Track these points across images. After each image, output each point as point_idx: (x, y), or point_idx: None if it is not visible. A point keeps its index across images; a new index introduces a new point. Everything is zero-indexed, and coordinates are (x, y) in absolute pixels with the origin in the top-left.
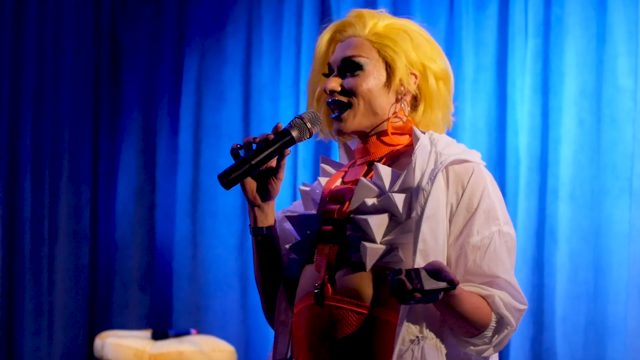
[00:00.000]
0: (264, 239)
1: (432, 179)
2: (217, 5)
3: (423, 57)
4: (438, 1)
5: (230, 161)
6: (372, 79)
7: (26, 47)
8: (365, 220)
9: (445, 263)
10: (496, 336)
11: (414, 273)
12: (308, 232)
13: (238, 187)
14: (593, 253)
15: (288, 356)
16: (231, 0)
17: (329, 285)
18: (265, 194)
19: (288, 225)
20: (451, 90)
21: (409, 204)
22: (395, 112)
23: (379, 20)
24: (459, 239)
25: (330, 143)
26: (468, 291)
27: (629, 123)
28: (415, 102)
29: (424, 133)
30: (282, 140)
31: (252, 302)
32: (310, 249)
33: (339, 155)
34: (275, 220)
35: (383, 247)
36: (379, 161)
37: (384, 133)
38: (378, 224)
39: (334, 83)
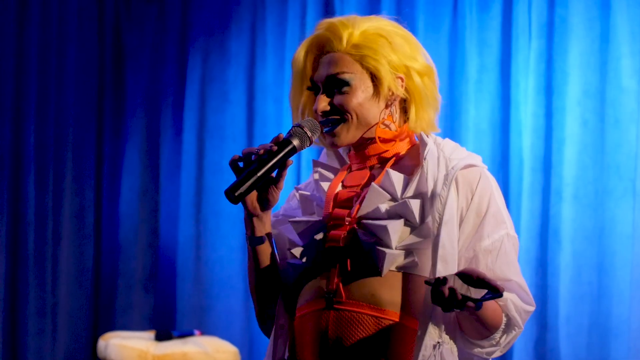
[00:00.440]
0: (262, 248)
1: (448, 185)
2: (221, 6)
3: (404, 58)
4: (442, 2)
5: None
6: (361, 93)
7: (29, 48)
8: (384, 227)
9: (457, 266)
10: (504, 337)
11: (455, 281)
12: (315, 237)
13: None
14: (597, 254)
15: (286, 357)
16: (235, 1)
17: (342, 289)
18: (265, 203)
19: (284, 230)
20: (436, 81)
21: (422, 210)
22: (383, 118)
23: (353, 29)
24: (469, 243)
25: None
26: None
27: (633, 124)
28: (404, 103)
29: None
30: (284, 150)
31: None
32: (316, 254)
33: (324, 157)
34: (271, 229)
35: (401, 252)
36: (382, 166)
37: (375, 139)
38: (396, 229)
39: (324, 103)
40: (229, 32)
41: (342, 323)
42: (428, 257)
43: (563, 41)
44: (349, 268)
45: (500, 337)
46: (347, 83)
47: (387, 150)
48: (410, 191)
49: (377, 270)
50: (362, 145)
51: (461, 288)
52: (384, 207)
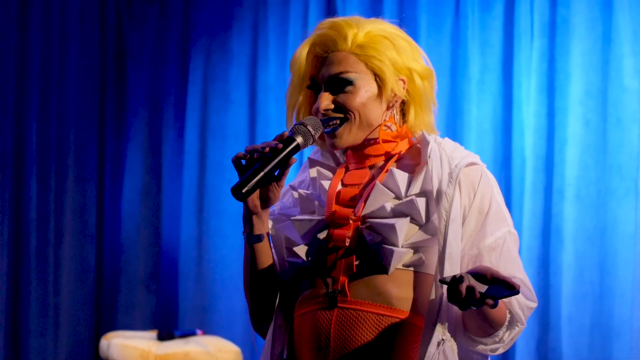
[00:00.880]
0: (260, 246)
1: (453, 183)
2: (223, 6)
3: (407, 60)
4: (444, 2)
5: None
6: (364, 93)
7: (31, 48)
8: (392, 225)
9: (460, 264)
10: (508, 333)
11: (469, 279)
12: (319, 236)
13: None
14: (599, 253)
15: (284, 357)
16: (237, 1)
17: (347, 288)
18: (265, 201)
19: (282, 229)
20: (435, 86)
21: (428, 208)
22: (385, 120)
23: (358, 30)
24: (472, 241)
25: None
26: None
27: (635, 124)
28: (403, 105)
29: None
30: (288, 147)
31: None
32: (320, 253)
33: (317, 154)
34: (269, 227)
35: (409, 250)
36: (383, 165)
37: (377, 141)
38: (403, 228)
39: (327, 101)
40: (230, 32)
41: (346, 322)
42: (434, 255)
43: (565, 41)
44: (354, 267)
45: (504, 334)
46: (351, 82)
47: (387, 152)
48: (415, 189)
49: (383, 269)
50: (361, 146)
51: (478, 286)
52: (388, 205)
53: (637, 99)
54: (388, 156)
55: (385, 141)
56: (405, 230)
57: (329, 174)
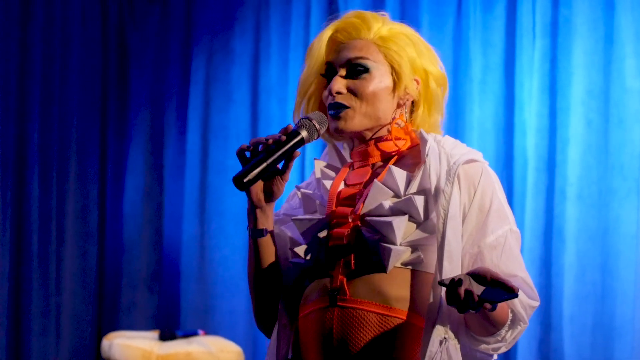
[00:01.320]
0: (264, 241)
1: (451, 180)
2: (225, 6)
3: (425, 62)
4: (446, 2)
5: (237, 160)
6: (378, 82)
7: (33, 49)
8: (389, 223)
9: (461, 263)
10: (510, 332)
11: (468, 281)
12: (319, 235)
13: None
14: (600, 254)
15: (290, 357)
16: (239, 1)
17: (346, 287)
18: (269, 195)
19: (286, 228)
20: (446, 95)
21: (427, 206)
22: (395, 118)
23: (382, 24)
24: (473, 240)
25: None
26: None
27: (637, 124)
28: (412, 106)
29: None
30: (292, 141)
31: None
32: (319, 252)
33: (326, 157)
34: (273, 222)
35: (406, 249)
36: (384, 163)
37: (384, 138)
38: (400, 226)
39: (340, 84)
40: (233, 32)
41: (347, 321)
42: (433, 253)
43: (567, 41)
44: (352, 265)
45: (506, 333)
46: (367, 69)
47: (387, 150)
48: (413, 188)
49: (381, 267)
50: (365, 142)
51: (476, 289)
52: (387, 203)
53: (639, 99)
54: (389, 154)
55: (397, 138)
56: (403, 228)
57: (332, 173)
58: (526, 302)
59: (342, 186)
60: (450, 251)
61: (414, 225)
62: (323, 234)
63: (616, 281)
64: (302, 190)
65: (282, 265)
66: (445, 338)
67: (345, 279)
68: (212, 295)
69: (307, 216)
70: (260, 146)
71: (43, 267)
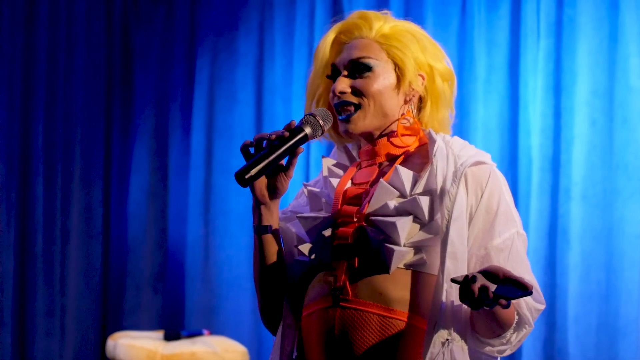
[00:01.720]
0: (268, 238)
1: (457, 181)
2: (229, 6)
3: (430, 58)
4: (450, 1)
5: (241, 159)
6: (382, 80)
7: (38, 48)
8: (393, 224)
9: (467, 264)
10: (515, 335)
11: (486, 279)
12: (323, 234)
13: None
14: (605, 253)
15: (294, 357)
16: (243, 1)
17: (349, 287)
18: (273, 192)
19: (292, 226)
20: (454, 90)
21: (432, 207)
22: (403, 114)
23: (384, 22)
24: (480, 242)
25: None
26: None
27: None
28: (420, 102)
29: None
30: (296, 137)
31: None
32: (324, 251)
33: (335, 155)
34: (279, 219)
35: (410, 249)
36: (391, 163)
37: (393, 134)
38: (404, 227)
39: (344, 84)
40: (237, 32)
41: (348, 321)
42: (437, 255)
43: (571, 41)
44: (356, 265)
45: (512, 336)
46: (370, 68)
47: (398, 146)
48: (419, 188)
49: (385, 268)
50: (374, 141)
51: (490, 286)
52: (392, 203)
53: None
54: (396, 153)
55: (403, 135)
56: (407, 229)
57: (340, 172)
58: (532, 305)
59: (349, 185)
60: (455, 252)
61: (419, 226)
62: (328, 232)
63: (621, 281)
64: (308, 188)
65: (288, 263)
66: (448, 340)
67: (348, 279)
68: (217, 295)
69: (313, 214)
70: (264, 142)
71: (47, 267)
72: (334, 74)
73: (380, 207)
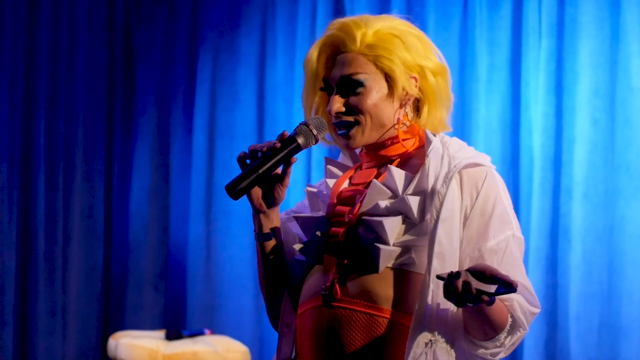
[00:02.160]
0: (269, 245)
1: (447, 182)
2: (231, 6)
3: (418, 57)
4: (452, 1)
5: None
6: (375, 93)
7: (40, 48)
8: (380, 223)
9: (458, 266)
10: (509, 338)
11: (471, 277)
12: (317, 233)
13: None
14: (607, 253)
15: (292, 356)
16: (245, 0)
17: (337, 286)
18: (271, 200)
19: (293, 227)
20: (449, 81)
21: (423, 207)
22: (399, 119)
23: (367, 29)
24: (474, 243)
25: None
26: None
27: None
28: (417, 103)
29: (434, 135)
30: (288, 148)
31: None
32: (318, 251)
33: (341, 156)
34: (280, 225)
35: (397, 249)
36: (389, 164)
37: (392, 140)
38: (392, 226)
39: (338, 104)
40: (239, 31)
41: (337, 321)
42: (426, 255)
43: (573, 40)
44: (346, 265)
45: (505, 338)
46: (361, 84)
47: (397, 150)
48: (411, 188)
49: (374, 267)
50: (376, 147)
51: (475, 283)
52: (384, 203)
53: None
54: (394, 155)
55: (404, 139)
56: (397, 229)
57: (339, 172)
58: (526, 308)
59: (346, 185)
60: (442, 252)
61: (409, 226)
62: (321, 232)
63: (622, 280)
64: (308, 189)
65: (289, 263)
66: (431, 340)
67: (338, 278)
68: (219, 295)
69: (309, 214)
70: (259, 153)
71: (49, 267)
72: (327, 87)
73: (372, 207)
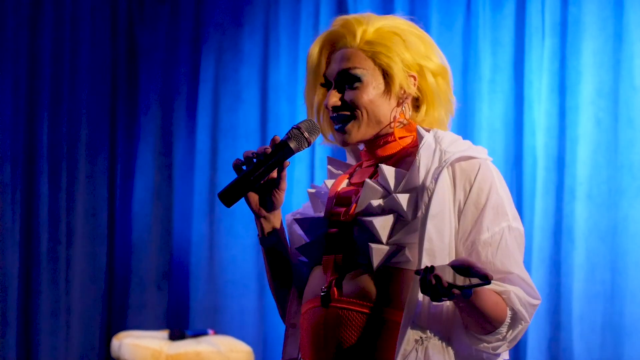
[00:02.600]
0: (274, 248)
1: (436, 177)
2: (234, 5)
3: (418, 56)
4: (455, 1)
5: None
6: (372, 89)
7: (43, 48)
8: (371, 222)
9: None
10: (510, 331)
11: (446, 270)
12: (316, 234)
13: None
14: (610, 253)
15: (298, 357)
16: (248, 0)
17: (334, 287)
18: (270, 205)
19: (297, 228)
20: (450, 83)
21: (415, 204)
22: (396, 117)
23: (368, 26)
24: (468, 236)
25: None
26: (487, 288)
27: None
28: (416, 102)
29: (428, 131)
30: (280, 152)
31: (270, 302)
32: (318, 251)
33: (346, 155)
34: (283, 227)
35: (390, 247)
36: (386, 162)
37: (389, 137)
38: (383, 225)
39: (334, 98)
40: (242, 31)
41: (334, 321)
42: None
43: (576, 40)
44: (341, 265)
45: (507, 332)
46: (358, 79)
47: (394, 147)
48: (401, 186)
49: (369, 266)
50: (374, 144)
51: (454, 278)
52: (377, 202)
53: None
54: (389, 153)
55: (401, 137)
56: (388, 227)
57: (340, 172)
58: (525, 300)
59: (344, 185)
60: (432, 249)
61: (402, 224)
62: (320, 233)
63: (626, 280)
64: (309, 190)
65: (295, 265)
66: (422, 338)
67: (335, 279)
68: (222, 295)
69: (308, 215)
70: (254, 159)
71: (52, 267)
72: (327, 83)
73: (366, 207)
